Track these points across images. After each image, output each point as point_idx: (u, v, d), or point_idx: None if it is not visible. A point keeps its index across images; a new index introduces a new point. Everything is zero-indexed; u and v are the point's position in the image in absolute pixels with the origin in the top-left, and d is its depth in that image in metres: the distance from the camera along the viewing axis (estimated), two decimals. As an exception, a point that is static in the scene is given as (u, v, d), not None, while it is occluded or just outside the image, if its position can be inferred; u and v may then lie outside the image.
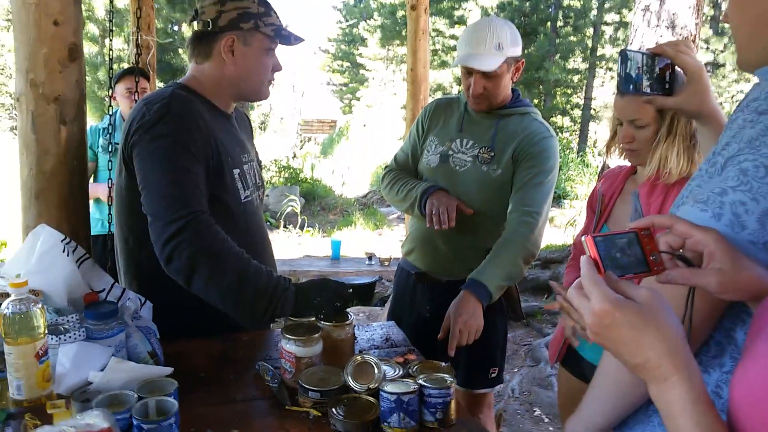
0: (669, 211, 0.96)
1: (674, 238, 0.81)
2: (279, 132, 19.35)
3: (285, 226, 8.52)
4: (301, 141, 19.45)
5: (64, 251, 1.43)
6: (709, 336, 0.90)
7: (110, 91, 2.76)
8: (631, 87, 1.20)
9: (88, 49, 9.57)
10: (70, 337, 1.35)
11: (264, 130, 16.86)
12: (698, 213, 0.84)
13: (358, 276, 4.90)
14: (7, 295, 1.21)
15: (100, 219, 3.28)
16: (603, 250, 0.75)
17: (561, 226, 8.75)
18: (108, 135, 3.13)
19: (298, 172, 12.02)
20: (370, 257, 4.54)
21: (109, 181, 2.19)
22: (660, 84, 1.21)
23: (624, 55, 1.18)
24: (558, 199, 10.34)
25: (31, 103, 1.57)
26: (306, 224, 8.64)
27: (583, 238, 0.76)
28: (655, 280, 0.80)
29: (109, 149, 3.03)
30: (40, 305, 1.22)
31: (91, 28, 9.77)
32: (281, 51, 1.77)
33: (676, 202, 0.93)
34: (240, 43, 1.64)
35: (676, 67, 1.21)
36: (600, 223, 1.89)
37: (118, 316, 1.42)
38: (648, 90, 1.20)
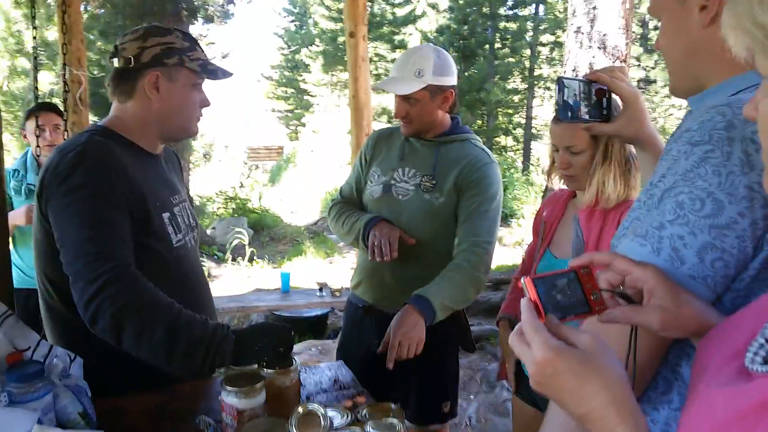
0: (611, 241, 0.96)
1: (614, 275, 0.80)
2: (225, 161, 19.07)
3: (233, 260, 8.34)
4: (249, 169, 19.22)
5: (-18, 311, 1.33)
6: (657, 372, 0.89)
7: (21, 130, 2.60)
8: (570, 114, 1.20)
9: (20, 83, 9.23)
10: (-10, 403, 1.25)
11: (209, 160, 16.58)
12: (638, 248, 0.84)
13: (309, 308, 4.82)
14: None
15: (21, 269, 2.94)
16: (543, 292, 0.73)
17: (509, 245, 8.87)
18: (20, 176, 2.94)
19: (245, 202, 11.83)
20: (321, 288, 4.47)
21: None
22: (597, 110, 1.23)
23: (561, 83, 1.19)
24: (505, 218, 10.52)
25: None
26: (255, 256, 8.48)
27: (522, 280, 0.73)
28: (597, 320, 0.78)
29: (22, 191, 2.86)
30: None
31: (22, 62, 9.43)
32: (225, 79, 1.73)
33: (618, 234, 0.93)
34: (165, 79, 1.58)
35: (612, 93, 1.23)
36: (543, 247, 1.90)
37: (44, 377, 1.33)
38: (586, 116, 1.21)
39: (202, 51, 1.67)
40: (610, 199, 1.66)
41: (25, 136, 2.97)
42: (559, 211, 1.87)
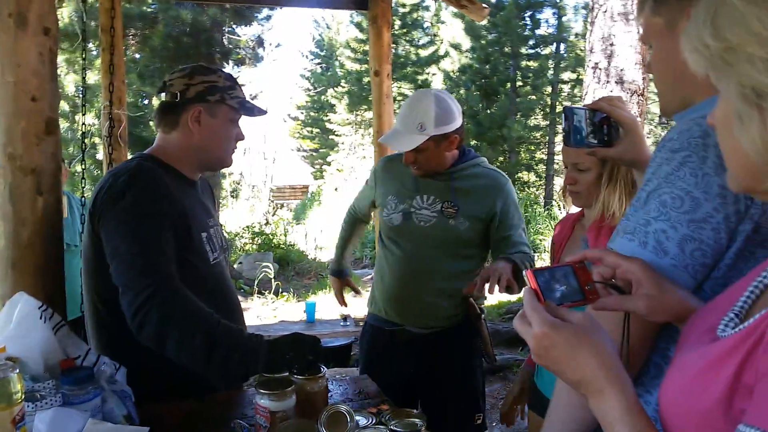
0: (606, 243, 1.06)
1: (605, 268, 0.90)
2: (251, 199, 19.44)
3: (260, 293, 8.46)
4: (273, 208, 19.52)
5: (41, 318, 1.46)
6: (648, 359, 0.98)
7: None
8: (577, 139, 1.32)
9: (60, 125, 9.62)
10: (46, 403, 1.37)
11: (236, 198, 16.92)
12: (627, 243, 0.94)
13: (333, 338, 4.89)
14: (-16, 362, 1.23)
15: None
16: (542, 282, 0.83)
17: (532, 279, 8.81)
18: None
19: (271, 237, 12.02)
20: (345, 318, 4.55)
21: None
22: (600, 136, 1.34)
23: (569, 111, 1.30)
24: (529, 253, 10.49)
25: (9, 175, 1.63)
26: (281, 290, 8.60)
27: (524, 272, 0.84)
28: (591, 308, 0.88)
29: None
30: (17, 371, 1.24)
31: (62, 105, 9.86)
32: (251, 119, 1.88)
33: (612, 236, 1.03)
34: (206, 114, 1.73)
35: (612, 120, 1.34)
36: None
37: (94, 381, 1.45)
38: (593, 141, 1.33)
39: (241, 90, 1.82)
40: (616, 217, 1.74)
41: None
42: (567, 231, 1.97)
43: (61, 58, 9.13)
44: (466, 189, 2.16)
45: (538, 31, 17.82)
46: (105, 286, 1.58)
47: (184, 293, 1.51)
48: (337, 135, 23.43)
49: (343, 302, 2.76)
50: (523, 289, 0.82)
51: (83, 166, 2.46)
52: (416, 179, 2.22)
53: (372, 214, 2.63)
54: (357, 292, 2.97)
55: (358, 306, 7.01)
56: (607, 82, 5.31)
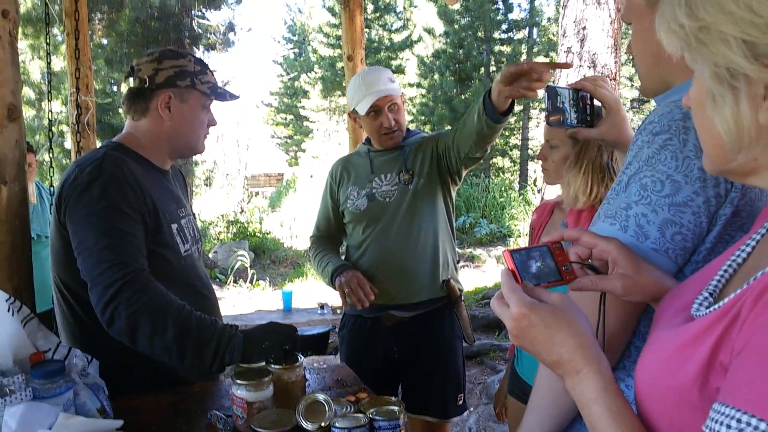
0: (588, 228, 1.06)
1: (582, 248, 0.90)
2: (225, 188, 19.24)
3: (235, 282, 8.41)
4: (248, 196, 19.36)
5: (8, 311, 1.42)
6: (629, 343, 0.98)
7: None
8: (560, 119, 1.30)
9: (25, 113, 9.38)
10: (15, 398, 1.33)
11: (209, 186, 16.71)
12: (608, 227, 0.94)
13: (310, 326, 4.88)
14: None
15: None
16: (519, 262, 0.83)
17: (508, 263, 8.92)
18: None
19: (246, 226, 11.93)
20: (322, 306, 4.56)
21: None
22: (583, 116, 1.33)
23: (552, 90, 1.28)
24: (504, 238, 10.60)
25: (-30, 165, 1.57)
26: (256, 278, 8.55)
27: (501, 252, 0.84)
28: (568, 288, 0.88)
29: None
30: (-17, 367, 1.21)
31: (27, 92, 9.60)
32: (223, 106, 1.84)
33: (593, 220, 1.03)
34: (176, 99, 1.69)
35: (595, 100, 1.33)
36: None
37: (65, 374, 1.41)
38: (575, 122, 1.32)
39: (212, 75, 1.78)
40: (579, 200, 1.72)
41: None
42: (545, 216, 1.96)
43: (25, 44, 8.89)
44: (414, 152, 2.28)
45: (510, 16, 17.85)
46: (73, 279, 1.54)
47: (155, 286, 1.48)
48: (311, 121, 23.26)
49: (364, 299, 2.12)
50: (501, 270, 0.82)
51: (51, 155, 2.39)
52: (371, 164, 2.31)
53: (338, 228, 2.44)
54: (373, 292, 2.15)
55: (335, 297, 7.00)
56: (580, 66, 5.34)
